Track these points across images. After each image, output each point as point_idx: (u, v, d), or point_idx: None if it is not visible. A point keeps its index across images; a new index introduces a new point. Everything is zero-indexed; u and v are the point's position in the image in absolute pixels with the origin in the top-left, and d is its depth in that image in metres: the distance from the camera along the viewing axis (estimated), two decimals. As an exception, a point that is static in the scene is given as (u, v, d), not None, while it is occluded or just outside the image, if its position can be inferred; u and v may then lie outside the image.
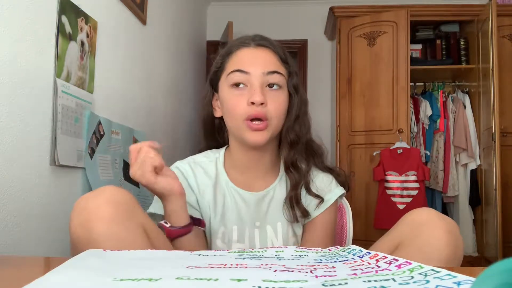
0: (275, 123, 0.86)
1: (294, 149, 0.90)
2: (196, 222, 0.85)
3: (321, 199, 0.91)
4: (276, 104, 0.86)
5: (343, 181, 0.97)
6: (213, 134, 0.99)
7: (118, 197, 0.68)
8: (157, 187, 0.77)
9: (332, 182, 0.95)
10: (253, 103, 0.83)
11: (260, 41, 0.90)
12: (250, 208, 0.92)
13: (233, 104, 0.86)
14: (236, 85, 0.86)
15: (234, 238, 0.91)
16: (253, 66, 0.86)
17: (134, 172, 0.76)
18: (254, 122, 0.84)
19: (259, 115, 0.84)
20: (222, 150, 0.97)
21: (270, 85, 0.86)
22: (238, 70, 0.86)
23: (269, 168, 0.94)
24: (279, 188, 0.94)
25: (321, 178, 0.94)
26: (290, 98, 0.90)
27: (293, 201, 0.90)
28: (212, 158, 0.95)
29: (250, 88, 0.85)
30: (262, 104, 0.83)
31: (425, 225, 0.71)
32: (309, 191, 0.91)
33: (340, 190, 0.95)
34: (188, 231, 0.81)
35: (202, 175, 0.93)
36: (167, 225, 0.80)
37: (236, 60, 0.89)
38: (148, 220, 0.74)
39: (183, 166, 0.94)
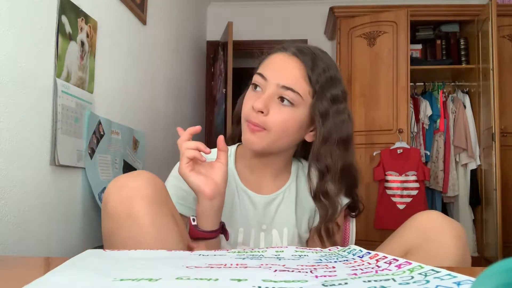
0: (273, 135, 0.82)
1: (325, 178, 0.85)
2: (224, 231, 0.82)
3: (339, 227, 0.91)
4: (278, 117, 0.81)
5: (355, 207, 0.96)
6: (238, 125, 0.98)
7: (156, 182, 0.70)
8: (188, 181, 0.76)
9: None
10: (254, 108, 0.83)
11: (296, 51, 0.85)
12: (258, 210, 0.91)
13: (244, 103, 0.86)
14: (255, 86, 0.86)
15: (239, 240, 0.90)
16: (273, 74, 0.84)
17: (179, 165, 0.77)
18: (251, 124, 0.84)
19: (255, 122, 0.82)
20: (233, 148, 0.96)
21: (282, 99, 0.83)
22: (260, 74, 0.85)
23: (279, 171, 0.93)
24: (288, 192, 0.93)
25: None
26: (312, 121, 0.85)
27: (322, 235, 0.86)
28: None
29: (262, 93, 0.83)
30: (261, 112, 0.81)
31: (433, 231, 0.71)
32: (333, 221, 0.88)
33: (346, 200, 0.93)
34: (210, 237, 0.78)
35: None
36: (193, 223, 0.78)
37: (266, 63, 0.88)
38: (176, 210, 0.76)
39: None
